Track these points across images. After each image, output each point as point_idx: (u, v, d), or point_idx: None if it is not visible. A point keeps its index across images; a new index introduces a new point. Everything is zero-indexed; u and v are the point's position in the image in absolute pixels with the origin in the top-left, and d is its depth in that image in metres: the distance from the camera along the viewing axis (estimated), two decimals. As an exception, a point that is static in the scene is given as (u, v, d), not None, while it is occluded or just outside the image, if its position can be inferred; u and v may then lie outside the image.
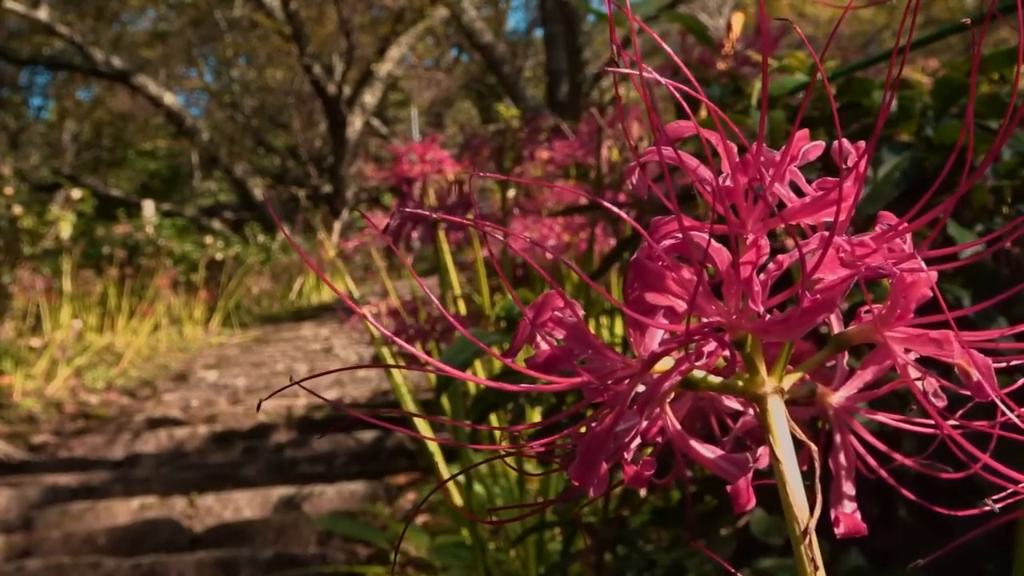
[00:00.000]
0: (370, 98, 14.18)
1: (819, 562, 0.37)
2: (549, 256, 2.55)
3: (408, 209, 2.16)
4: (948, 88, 1.15)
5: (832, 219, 0.37)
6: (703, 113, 1.26)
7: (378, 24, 14.45)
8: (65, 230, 7.33)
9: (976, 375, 0.37)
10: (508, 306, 1.81)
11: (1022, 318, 0.95)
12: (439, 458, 2.13)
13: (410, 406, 2.25)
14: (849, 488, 0.43)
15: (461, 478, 2.06)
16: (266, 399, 0.40)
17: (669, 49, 0.40)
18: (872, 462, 0.45)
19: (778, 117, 1.20)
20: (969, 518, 0.42)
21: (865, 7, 0.42)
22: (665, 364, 0.38)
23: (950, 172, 0.42)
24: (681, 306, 0.37)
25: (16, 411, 5.25)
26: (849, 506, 0.43)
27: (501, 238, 0.41)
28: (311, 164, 16.23)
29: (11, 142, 17.06)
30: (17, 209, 6.89)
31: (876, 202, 1.01)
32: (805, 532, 0.37)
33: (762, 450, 0.39)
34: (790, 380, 0.40)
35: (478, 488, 2.43)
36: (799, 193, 0.40)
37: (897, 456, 0.45)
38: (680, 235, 0.37)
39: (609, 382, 0.38)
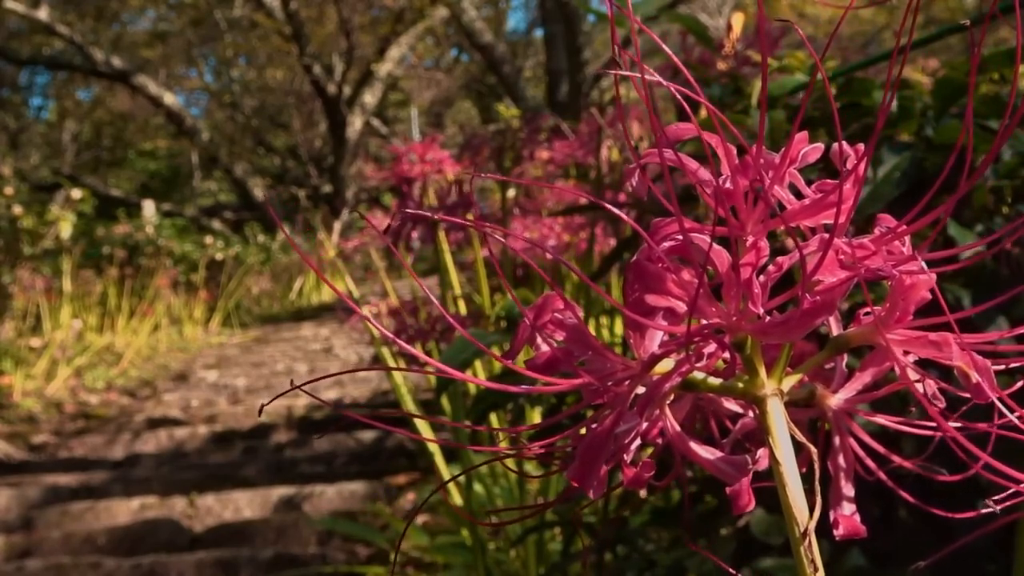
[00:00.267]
0: (370, 98, 14.18)
1: (819, 563, 0.37)
2: (549, 256, 2.55)
3: (408, 209, 2.16)
4: (948, 88, 1.15)
5: (831, 221, 0.37)
6: (703, 113, 1.26)
7: (378, 24, 14.45)
8: (65, 230, 7.33)
9: (975, 377, 0.37)
10: (508, 306, 1.81)
11: (1022, 319, 0.94)
12: (439, 458, 2.13)
13: (410, 406, 2.25)
14: (848, 490, 0.43)
15: (461, 478, 2.06)
16: (270, 402, 0.40)
17: (669, 51, 0.40)
18: (871, 464, 0.45)
19: (778, 117, 1.20)
20: (969, 519, 0.42)
21: (865, 7, 0.42)
22: (665, 366, 0.38)
23: (950, 172, 0.42)
24: (681, 308, 0.37)
25: (16, 411, 5.25)
26: (848, 508, 0.43)
27: (501, 238, 0.41)
28: (311, 164, 16.23)
29: (11, 142, 17.06)
30: (17, 209, 6.89)
31: (876, 202, 1.01)
32: (805, 533, 0.37)
33: (761, 452, 0.39)
34: (789, 382, 0.40)
35: (478, 488, 2.43)
36: (798, 195, 0.40)
37: (896, 458, 0.45)
38: (680, 237, 0.37)
39: (609, 383, 0.38)
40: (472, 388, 2.26)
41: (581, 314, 0.40)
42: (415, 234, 2.19)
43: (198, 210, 15.84)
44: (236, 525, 3.28)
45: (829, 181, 0.40)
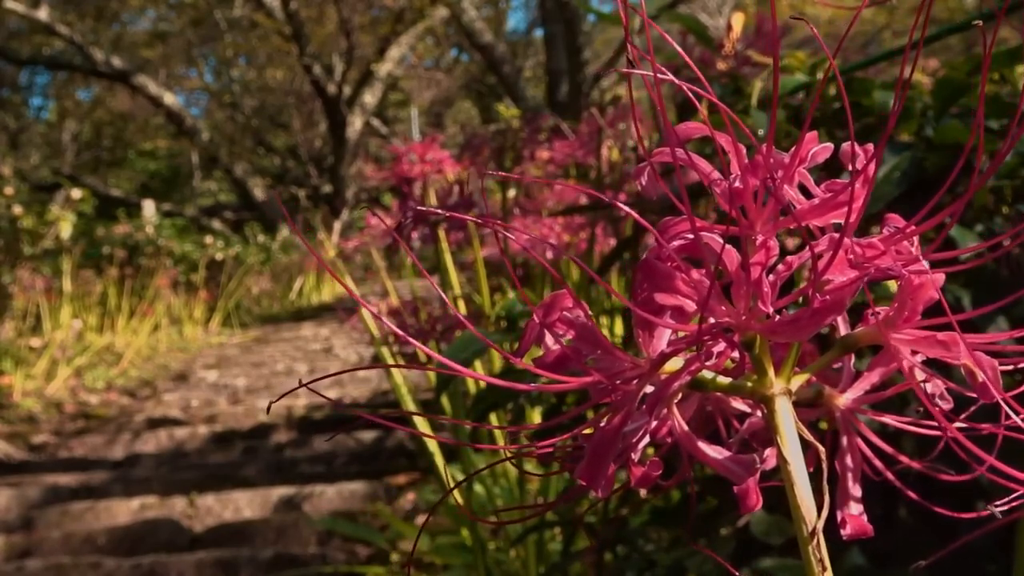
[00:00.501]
0: (370, 98, 14.19)
1: (827, 563, 0.37)
2: (549, 255, 2.55)
3: (408, 209, 2.16)
4: (948, 88, 1.15)
5: (841, 220, 0.37)
6: (703, 113, 1.26)
7: (378, 24, 14.45)
8: (65, 230, 7.33)
9: (982, 376, 0.37)
10: (508, 306, 1.81)
11: (1023, 319, 0.95)
12: (439, 458, 2.13)
13: (410, 406, 2.25)
14: (856, 490, 0.43)
15: (460, 478, 2.06)
16: (275, 402, 0.40)
17: (679, 48, 0.40)
18: (878, 464, 0.45)
19: (779, 117, 1.20)
20: (970, 519, 0.42)
21: (865, 7, 0.42)
22: (674, 365, 0.38)
23: (951, 173, 0.42)
24: (690, 306, 0.37)
25: (16, 411, 5.25)
26: (855, 508, 0.43)
27: (506, 235, 0.41)
28: (311, 164, 16.23)
29: (11, 142, 17.06)
30: (17, 209, 6.89)
31: (876, 202, 1.01)
32: (813, 533, 0.37)
33: (769, 451, 0.39)
34: (798, 381, 0.40)
35: (478, 488, 2.43)
36: (807, 195, 0.40)
37: (903, 458, 0.45)
38: (690, 236, 0.37)
39: (618, 382, 0.39)
40: (472, 388, 2.26)
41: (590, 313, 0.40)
42: (415, 234, 2.19)
43: (198, 210, 15.84)
44: (236, 525, 3.28)
45: (839, 181, 0.40)
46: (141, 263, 8.60)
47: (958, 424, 0.41)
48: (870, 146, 0.40)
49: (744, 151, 0.39)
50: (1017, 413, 0.39)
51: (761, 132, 1.15)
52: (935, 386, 0.41)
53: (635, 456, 0.39)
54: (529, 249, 0.40)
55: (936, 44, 2.01)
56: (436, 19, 13.48)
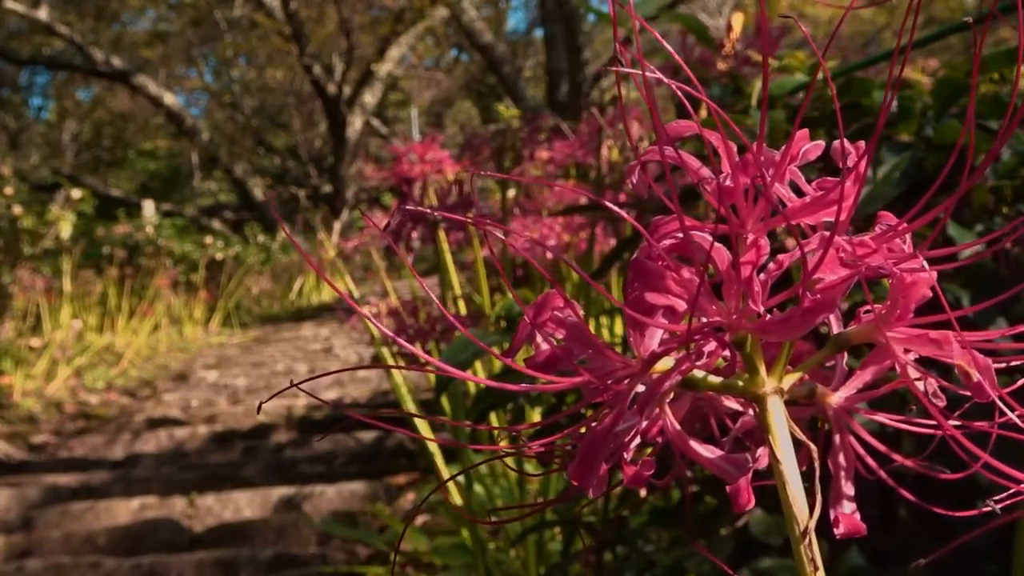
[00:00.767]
0: (370, 98, 14.19)
1: (819, 562, 0.37)
2: (549, 256, 2.55)
3: (404, 210, 2.16)
4: (948, 88, 1.15)
5: (832, 219, 0.37)
6: (703, 112, 1.26)
7: (378, 24, 14.45)
8: (65, 230, 7.33)
9: (976, 375, 0.37)
10: (508, 306, 1.81)
11: (1022, 318, 0.95)
12: (439, 458, 2.13)
13: (410, 406, 2.25)
14: (848, 488, 0.43)
15: (461, 478, 2.06)
16: (267, 400, 0.40)
17: (672, 50, 0.40)
18: (872, 463, 0.45)
19: (778, 117, 1.20)
20: (969, 518, 0.42)
21: (865, 7, 0.42)
22: (665, 364, 0.38)
23: (950, 172, 0.42)
24: (681, 306, 0.37)
25: (16, 411, 5.25)
26: (848, 506, 0.43)
27: (502, 236, 0.41)
28: (311, 164, 16.23)
29: (11, 142, 17.06)
30: (17, 209, 6.89)
31: (876, 202, 1.01)
32: (805, 532, 0.37)
33: (761, 450, 0.39)
34: (790, 380, 0.40)
35: (478, 488, 2.43)
36: (799, 193, 0.40)
37: (897, 457, 0.45)
38: (680, 235, 0.37)
39: (609, 382, 0.38)
40: (472, 388, 2.26)
41: (581, 313, 0.40)
42: (415, 234, 2.19)
43: (198, 210, 15.84)
44: (236, 525, 3.28)
45: (830, 179, 0.40)
46: (141, 263, 8.61)
47: (953, 422, 0.41)
48: (862, 143, 0.40)
49: (735, 149, 0.39)
50: (1013, 410, 0.39)
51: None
52: (929, 384, 0.41)
53: (627, 456, 0.39)
54: (523, 251, 0.40)
55: (936, 44, 2.01)
56: (436, 19, 13.48)
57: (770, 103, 1.29)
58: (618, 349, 0.40)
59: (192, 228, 12.32)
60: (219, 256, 9.77)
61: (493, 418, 1.68)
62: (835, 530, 0.42)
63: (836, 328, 0.43)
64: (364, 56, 14.11)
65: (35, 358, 5.99)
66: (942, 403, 0.40)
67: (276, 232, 12.05)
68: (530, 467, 2.14)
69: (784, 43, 1.71)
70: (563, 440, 0.42)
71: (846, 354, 0.44)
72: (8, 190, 6.90)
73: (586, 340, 0.39)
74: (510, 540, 2.23)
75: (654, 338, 0.39)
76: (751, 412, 0.44)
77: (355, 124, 14.16)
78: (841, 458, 0.43)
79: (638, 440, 0.39)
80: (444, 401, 2.07)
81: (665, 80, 0.38)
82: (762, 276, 0.37)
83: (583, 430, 0.39)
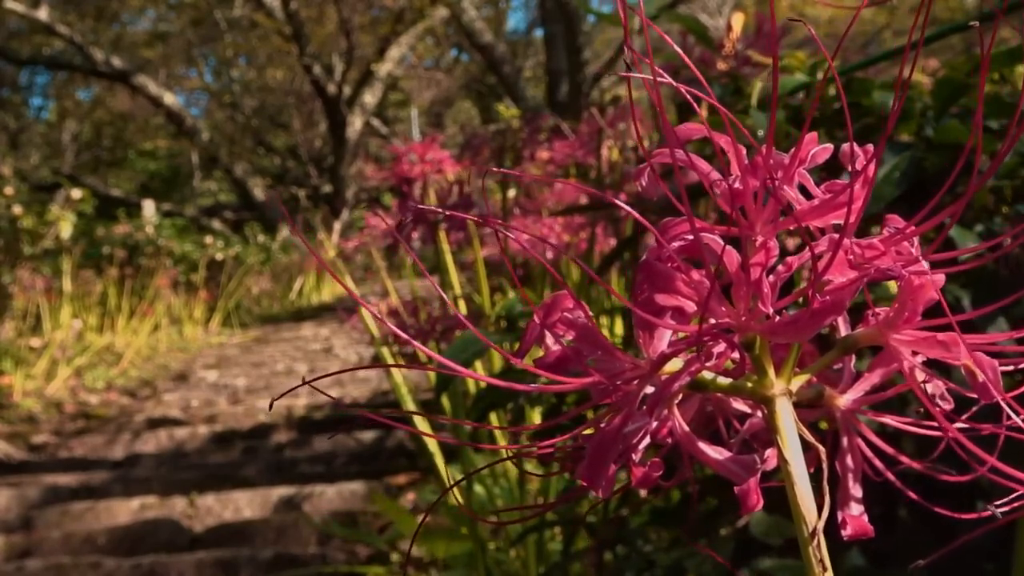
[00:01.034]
0: (370, 98, 14.19)
1: (827, 563, 0.37)
2: (549, 255, 2.55)
3: (408, 209, 2.16)
4: (948, 88, 1.15)
5: (841, 221, 0.37)
6: (703, 113, 1.26)
7: (378, 24, 14.45)
8: (65, 230, 7.33)
9: (982, 377, 0.37)
10: (508, 306, 1.81)
11: (1023, 319, 0.95)
12: (439, 458, 2.13)
13: (410, 406, 2.25)
14: (856, 490, 0.43)
15: (460, 478, 2.06)
16: (275, 400, 0.40)
17: (679, 48, 0.40)
18: (879, 464, 0.45)
19: (778, 117, 1.20)
20: (969, 518, 0.42)
21: (865, 7, 0.42)
22: (674, 365, 0.38)
23: (951, 173, 0.42)
24: (691, 307, 0.37)
25: (16, 411, 5.25)
26: (856, 508, 0.43)
27: (507, 234, 0.41)
28: (311, 164, 16.23)
29: (11, 142, 17.06)
30: (17, 209, 6.89)
31: (876, 202, 1.01)
32: (813, 533, 0.37)
33: (769, 452, 0.39)
34: (798, 382, 0.40)
35: (478, 488, 2.43)
36: (807, 195, 0.40)
37: (904, 459, 0.45)
38: (690, 236, 0.37)
39: (618, 383, 0.39)
40: (472, 388, 2.26)
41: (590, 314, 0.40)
42: (415, 234, 2.19)
43: (198, 210, 15.84)
44: (236, 525, 3.28)
45: (839, 182, 0.40)
46: (141, 263, 8.60)
47: (959, 424, 0.41)
48: (870, 147, 0.40)
49: (744, 152, 0.39)
50: (1017, 413, 0.39)
51: (761, 133, 1.15)
52: (935, 387, 0.41)
53: (636, 457, 0.39)
54: (529, 249, 0.40)
55: (936, 44, 2.01)
56: (436, 19, 13.48)
57: (770, 103, 1.29)
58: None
59: (192, 228, 12.32)
60: (219, 256, 9.77)
61: (493, 418, 1.68)
62: (843, 532, 0.42)
63: (844, 330, 0.43)
64: (364, 56, 14.11)
65: (35, 358, 5.99)
66: (950, 405, 0.40)
67: (276, 232, 12.05)
68: (530, 467, 2.14)
69: (784, 43, 1.71)
70: (564, 441, 0.43)
71: (854, 356, 0.44)
72: (8, 190, 6.90)
73: (596, 341, 0.39)
74: (510, 540, 2.23)
75: (663, 339, 0.39)
76: (759, 414, 0.44)
77: (355, 124, 14.16)
78: (849, 460, 0.43)
79: (647, 441, 0.39)
80: (444, 401, 2.07)
81: (671, 82, 0.38)
82: (771, 278, 0.37)
83: (591, 431, 0.39)
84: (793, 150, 0.39)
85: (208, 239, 10.23)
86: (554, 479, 1.99)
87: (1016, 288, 0.43)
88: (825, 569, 0.36)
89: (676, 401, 0.39)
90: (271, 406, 0.37)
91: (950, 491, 0.58)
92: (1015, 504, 0.39)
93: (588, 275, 2.21)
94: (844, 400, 0.44)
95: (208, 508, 3.47)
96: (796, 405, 0.40)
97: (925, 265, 0.39)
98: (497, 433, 2.11)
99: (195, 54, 17.46)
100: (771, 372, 0.39)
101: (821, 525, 0.37)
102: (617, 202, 0.41)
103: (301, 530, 3.14)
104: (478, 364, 2.19)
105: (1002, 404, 0.38)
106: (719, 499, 1.21)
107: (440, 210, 2.02)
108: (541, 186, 2.85)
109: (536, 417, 1.98)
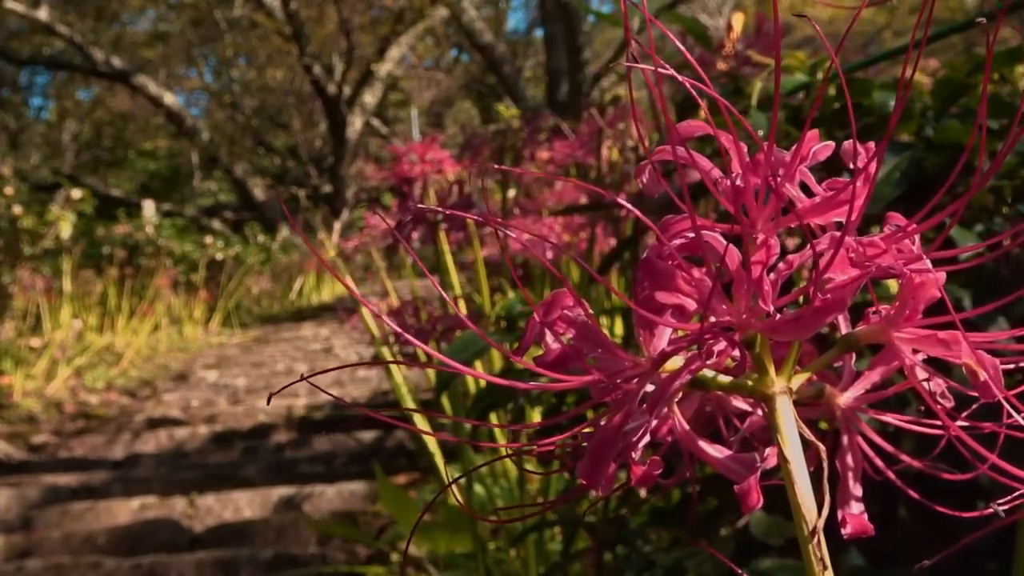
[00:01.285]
0: (370, 98, 14.19)
1: (827, 562, 0.37)
2: (549, 255, 2.55)
3: (408, 209, 2.16)
4: (948, 88, 1.15)
5: (842, 219, 0.37)
6: (703, 113, 1.26)
7: (378, 24, 14.46)
8: (65, 230, 7.33)
9: (983, 375, 0.37)
10: (508, 306, 1.81)
11: (1023, 319, 0.94)
12: (439, 458, 2.13)
13: (410, 406, 2.25)
14: (856, 489, 0.43)
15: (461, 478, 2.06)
16: (272, 394, 0.40)
17: (681, 46, 0.40)
18: (879, 463, 0.45)
19: (778, 117, 1.20)
20: (970, 518, 0.42)
21: (865, 7, 0.42)
22: (675, 363, 0.38)
23: (951, 173, 0.42)
24: (691, 305, 0.37)
25: (16, 411, 5.25)
26: (856, 507, 0.43)
27: (509, 234, 0.41)
28: (311, 164, 16.23)
29: (11, 142, 17.06)
30: (17, 209, 6.89)
31: (876, 202, 1.01)
32: (813, 532, 0.37)
33: (769, 450, 0.39)
34: (798, 380, 0.40)
35: (478, 488, 2.43)
36: (808, 193, 0.40)
37: (904, 457, 0.45)
38: (691, 234, 0.37)
39: (619, 381, 0.39)
40: (472, 388, 2.26)
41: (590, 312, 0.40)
42: (415, 234, 2.19)
43: (198, 210, 15.84)
44: (236, 525, 3.27)
45: (840, 179, 0.40)
46: (141, 263, 8.60)
47: (960, 423, 0.41)
48: (871, 144, 0.40)
49: (745, 149, 0.39)
50: (1018, 412, 0.39)
51: (761, 132, 1.15)
52: (936, 385, 0.41)
53: (636, 455, 0.39)
54: (529, 248, 0.40)
55: (936, 44, 2.01)
56: (436, 19, 13.48)
57: (770, 103, 1.29)
58: (620, 350, 0.40)
59: (192, 228, 12.32)
60: (219, 256, 9.77)
61: (493, 418, 1.68)
62: (843, 530, 0.42)
63: (844, 328, 0.43)
64: (364, 56, 14.11)
65: (35, 358, 5.99)
66: (950, 404, 0.40)
67: (276, 232, 12.05)
68: (530, 466, 2.14)
69: (784, 43, 1.71)
70: (564, 440, 0.43)
71: (854, 355, 0.44)
72: (8, 190, 6.90)
73: (596, 339, 0.39)
74: (510, 540, 2.23)
75: (664, 337, 0.39)
76: (759, 412, 0.44)
77: (355, 124, 14.16)
78: (849, 459, 0.43)
79: (647, 439, 0.39)
80: (444, 401, 2.07)
81: (676, 76, 0.38)
82: (772, 276, 0.37)
83: (591, 429, 0.39)
84: (795, 148, 0.39)
85: (208, 239, 10.23)
86: (554, 479, 1.99)
87: (1016, 287, 0.43)
88: (825, 567, 0.36)
89: (676, 399, 0.39)
90: (269, 400, 0.37)
91: (950, 490, 0.58)
92: (1016, 503, 0.39)
93: (588, 275, 2.21)
94: (844, 398, 0.44)
95: (208, 508, 3.47)
96: (796, 403, 0.39)
97: (927, 263, 0.39)
98: (497, 433, 2.11)
99: (195, 54, 17.46)
100: (771, 370, 0.39)
101: (821, 524, 0.37)
102: (619, 200, 0.41)
103: (301, 530, 3.14)
104: (478, 364, 2.19)
105: (1003, 402, 0.38)
106: (719, 499, 1.21)
107: (440, 210, 2.02)
108: (541, 186, 2.85)
109: (536, 416, 1.98)
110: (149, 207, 11.78)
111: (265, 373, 6.13)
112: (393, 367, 2.31)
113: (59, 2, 13.91)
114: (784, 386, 0.39)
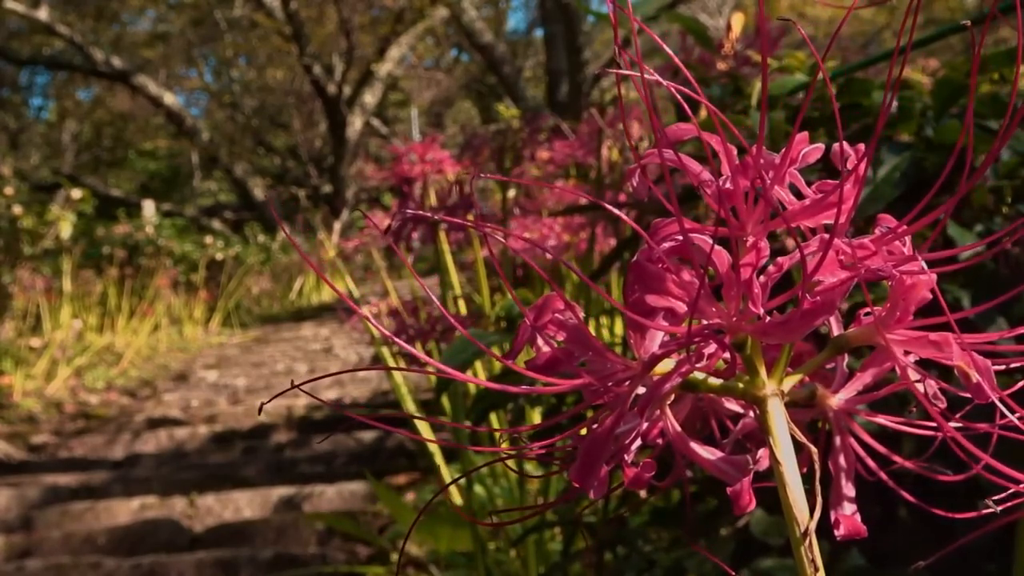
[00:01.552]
0: (370, 98, 14.19)
1: (819, 563, 0.37)
2: (549, 256, 2.55)
3: (408, 209, 2.16)
4: (948, 88, 1.15)
5: (832, 221, 0.37)
6: (703, 113, 1.26)
7: (378, 24, 14.46)
8: (65, 230, 7.33)
9: (976, 376, 0.37)
10: (508, 306, 1.81)
11: (1022, 319, 0.94)
12: (439, 459, 2.13)
13: (410, 406, 2.25)
14: (849, 490, 0.43)
15: (461, 479, 2.06)
16: (268, 401, 0.40)
17: (670, 51, 0.40)
18: (872, 464, 0.45)
19: (778, 117, 1.20)
20: (969, 519, 0.42)
21: (865, 7, 0.42)
22: (665, 366, 0.38)
23: (950, 173, 0.42)
24: (681, 308, 0.37)
25: (16, 411, 5.25)
26: (849, 508, 0.43)
27: (501, 239, 0.41)
28: (311, 164, 16.23)
29: (11, 142, 17.07)
30: (17, 209, 6.89)
31: (876, 202, 1.01)
32: (805, 533, 0.37)
33: (762, 452, 0.39)
34: (790, 382, 0.40)
35: (478, 489, 2.43)
36: (799, 195, 0.40)
37: (897, 458, 0.45)
38: (680, 237, 0.37)
39: (610, 384, 0.39)
40: (472, 388, 2.26)
41: (582, 315, 0.40)
42: (415, 234, 2.19)
43: (198, 210, 15.84)
44: (236, 525, 3.28)
45: (829, 181, 0.40)
46: (141, 263, 8.61)
47: (954, 423, 0.41)
48: (861, 146, 0.40)
49: (734, 152, 0.39)
50: (1013, 412, 0.39)
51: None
52: (929, 386, 0.41)
53: (628, 457, 0.39)
54: (521, 252, 0.40)
55: (936, 44, 2.01)
56: (436, 19, 13.48)
57: (770, 103, 1.29)
58: (618, 350, 0.40)
59: (192, 228, 12.33)
60: (219, 256, 9.77)
61: (493, 419, 1.68)
62: (836, 532, 0.42)
63: (836, 330, 0.43)
64: (364, 56, 14.12)
65: (35, 358, 5.99)
66: (943, 405, 0.40)
67: (276, 232, 12.05)
68: (530, 467, 2.14)
69: (784, 43, 1.71)
70: (564, 441, 0.43)
71: (847, 356, 0.44)
72: (8, 190, 6.90)
73: (586, 342, 0.39)
74: (510, 540, 2.23)
75: (655, 340, 0.39)
76: (751, 414, 0.44)
77: (355, 124, 14.16)
78: (842, 460, 0.43)
79: (639, 442, 0.39)
80: (444, 401, 2.07)
81: (664, 83, 0.38)
82: (762, 278, 0.37)
83: (583, 432, 0.39)
84: (784, 150, 0.39)
85: (208, 239, 10.24)
86: (554, 479, 1.99)
87: (1015, 287, 0.43)
88: (817, 569, 0.36)
89: (668, 402, 0.39)
90: (260, 409, 0.37)
91: (949, 491, 0.58)
92: (1013, 502, 0.39)
93: (588, 275, 2.21)
94: (836, 400, 0.44)
95: (208, 508, 3.47)
96: (788, 405, 0.39)
97: (920, 264, 0.39)
98: (498, 433, 2.11)
99: (195, 54, 17.46)
100: (763, 372, 0.39)
101: (813, 525, 0.37)
102: (608, 206, 0.41)
103: (301, 530, 3.14)
104: (478, 365, 2.19)
105: (997, 404, 0.38)
106: (719, 499, 1.21)
107: (440, 210, 2.02)
108: (541, 186, 2.85)
109: (536, 417, 1.98)
110: (149, 207, 11.78)
111: (265, 373, 6.13)
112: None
113: (59, 2, 13.91)
114: (775, 388, 0.39)
